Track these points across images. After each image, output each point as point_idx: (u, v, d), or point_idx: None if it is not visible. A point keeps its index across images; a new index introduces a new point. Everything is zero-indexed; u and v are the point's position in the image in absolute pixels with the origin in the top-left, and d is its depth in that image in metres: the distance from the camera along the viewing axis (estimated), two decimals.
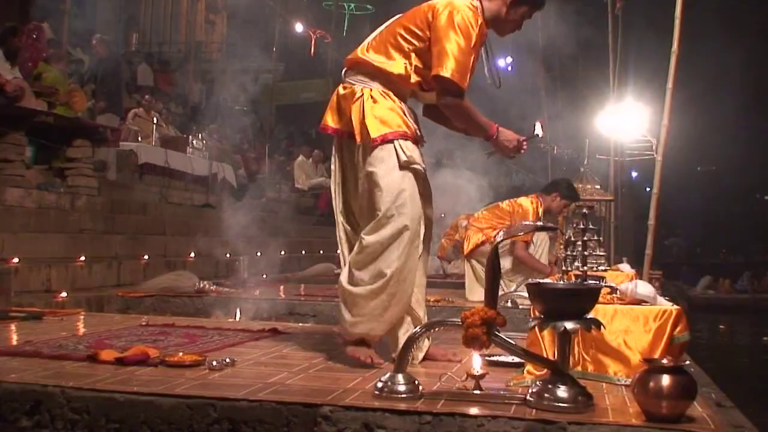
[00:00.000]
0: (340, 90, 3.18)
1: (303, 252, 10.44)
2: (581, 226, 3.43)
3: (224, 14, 27.40)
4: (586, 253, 3.40)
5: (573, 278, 3.37)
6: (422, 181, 3.09)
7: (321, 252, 11.03)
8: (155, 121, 10.76)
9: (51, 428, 2.40)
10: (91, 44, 11.81)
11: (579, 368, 2.79)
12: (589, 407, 2.29)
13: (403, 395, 2.37)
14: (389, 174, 2.98)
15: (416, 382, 2.43)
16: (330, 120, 3.18)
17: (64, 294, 5.17)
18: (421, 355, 3.16)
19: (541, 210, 6.13)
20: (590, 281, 3.14)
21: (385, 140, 2.99)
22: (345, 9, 21.24)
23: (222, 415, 2.32)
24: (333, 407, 2.28)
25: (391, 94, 3.10)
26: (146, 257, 6.83)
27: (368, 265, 3.00)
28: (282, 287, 6.91)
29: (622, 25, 9.69)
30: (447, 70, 2.95)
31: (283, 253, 9.66)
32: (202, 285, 5.99)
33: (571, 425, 2.15)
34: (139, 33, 26.34)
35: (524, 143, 3.18)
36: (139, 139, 10.10)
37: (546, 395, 2.30)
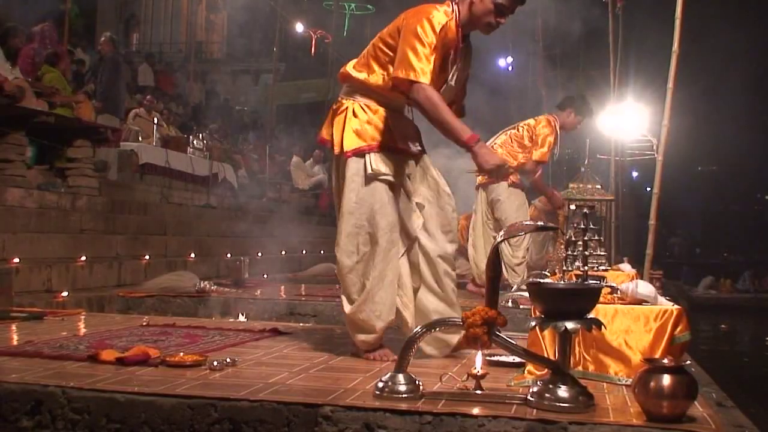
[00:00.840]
0: (334, 105, 3.33)
1: (303, 252, 10.45)
2: (582, 226, 3.43)
3: (224, 14, 27.42)
4: (586, 252, 3.40)
5: (574, 278, 3.37)
6: (404, 190, 3.20)
7: (321, 252, 11.03)
8: (156, 122, 10.77)
9: (52, 428, 2.41)
10: (95, 43, 11.82)
11: (580, 368, 2.79)
12: (589, 407, 2.29)
13: (404, 395, 2.37)
14: (359, 187, 3.12)
15: (417, 382, 2.43)
16: (324, 132, 3.33)
17: (64, 294, 5.17)
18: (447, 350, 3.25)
19: (557, 127, 6.23)
20: (591, 281, 3.14)
21: (357, 153, 3.13)
22: (345, 9, 21.23)
23: (223, 415, 2.32)
24: (334, 407, 2.28)
25: (373, 105, 3.21)
26: (147, 257, 6.83)
27: (352, 279, 3.14)
28: (282, 287, 6.91)
29: (623, 24, 9.68)
30: (400, 71, 3.03)
31: (283, 253, 9.66)
32: (202, 285, 5.99)
33: (572, 425, 2.15)
34: (140, 33, 26.38)
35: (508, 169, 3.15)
36: (140, 139, 10.10)
37: (547, 395, 2.30)
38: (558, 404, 2.27)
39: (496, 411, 2.24)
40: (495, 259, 2.53)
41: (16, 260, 5.17)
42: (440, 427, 2.21)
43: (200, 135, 12.10)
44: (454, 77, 3.21)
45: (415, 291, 3.26)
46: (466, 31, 3.22)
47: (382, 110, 3.21)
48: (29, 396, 2.44)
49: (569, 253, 3.51)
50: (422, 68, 3.01)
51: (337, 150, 3.19)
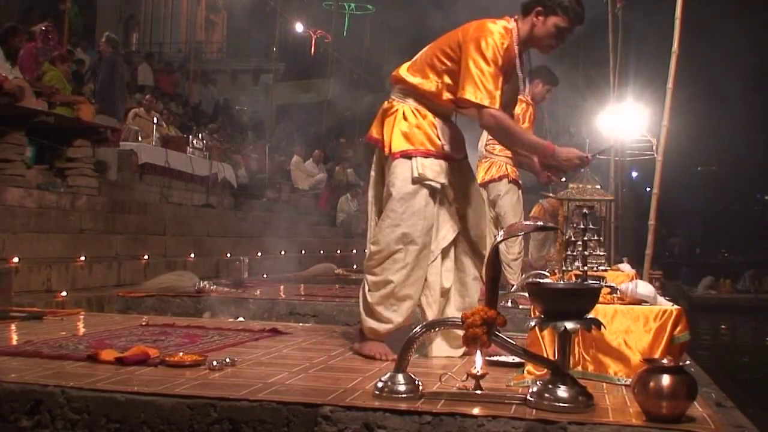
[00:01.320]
0: (385, 104, 3.39)
1: (303, 252, 10.45)
2: (581, 226, 3.43)
3: (224, 14, 27.43)
4: (586, 253, 3.40)
5: (573, 278, 3.37)
6: (441, 196, 3.28)
7: (321, 252, 11.03)
8: (155, 121, 10.76)
9: (51, 428, 2.41)
10: (95, 43, 11.82)
11: (579, 368, 2.79)
12: (589, 407, 2.29)
13: (404, 395, 2.37)
14: (403, 187, 3.19)
15: (416, 382, 2.43)
16: (374, 131, 3.40)
17: (64, 294, 5.17)
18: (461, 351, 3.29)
19: (530, 99, 6.27)
20: (590, 281, 3.14)
21: (404, 155, 3.21)
22: (345, 9, 21.25)
23: (222, 415, 2.32)
24: (333, 407, 2.28)
25: (423, 110, 3.28)
26: (146, 257, 6.82)
27: (376, 271, 3.22)
28: (282, 287, 6.91)
29: (623, 24, 9.67)
30: (468, 92, 3.08)
31: (283, 253, 9.66)
32: (202, 285, 5.98)
33: (571, 425, 2.15)
34: (139, 33, 26.40)
35: (589, 158, 3.20)
36: (140, 139, 10.10)
37: (546, 395, 2.30)
38: (557, 404, 2.26)
39: (495, 411, 2.24)
40: (495, 258, 2.53)
41: (16, 260, 5.16)
42: (440, 427, 2.21)
43: (200, 135, 12.09)
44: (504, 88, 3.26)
45: (445, 292, 3.33)
46: (523, 49, 3.28)
47: (430, 116, 3.28)
48: (29, 396, 2.44)
49: (569, 253, 3.51)
50: (491, 91, 3.06)
51: (386, 151, 3.26)
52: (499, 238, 2.59)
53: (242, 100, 22.08)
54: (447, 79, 3.22)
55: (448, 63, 3.21)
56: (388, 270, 3.19)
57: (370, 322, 3.25)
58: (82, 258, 5.87)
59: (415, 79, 3.28)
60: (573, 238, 3.50)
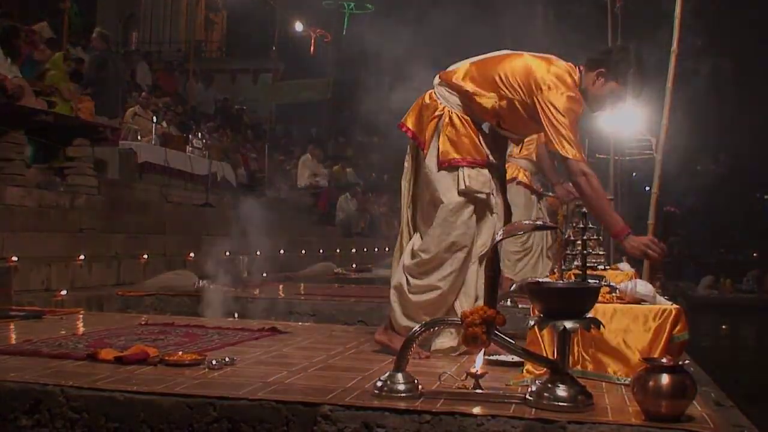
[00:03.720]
0: (426, 99, 3.39)
1: (303, 251, 10.45)
2: (581, 226, 3.43)
3: (224, 14, 27.41)
4: (585, 252, 3.40)
5: (573, 277, 3.37)
6: (486, 204, 3.31)
7: (321, 251, 11.03)
8: (154, 120, 10.76)
9: (51, 427, 2.41)
10: (91, 40, 11.78)
11: (578, 367, 2.79)
12: (588, 406, 2.29)
13: (403, 394, 2.37)
14: (451, 197, 3.24)
15: (416, 381, 2.43)
16: (409, 121, 3.42)
17: (63, 293, 5.17)
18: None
19: None
20: (590, 280, 3.14)
21: (452, 165, 3.24)
22: (345, 8, 21.22)
23: (222, 414, 2.32)
24: (332, 406, 2.28)
25: (469, 120, 3.31)
26: (146, 256, 6.82)
27: (422, 276, 3.29)
28: (281, 286, 6.91)
29: (622, 23, 9.66)
30: (569, 152, 3.07)
31: (282, 252, 9.66)
32: (201, 284, 5.98)
33: (570, 424, 2.15)
34: (139, 32, 26.37)
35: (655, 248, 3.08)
36: (139, 138, 10.09)
37: (545, 394, 2.30)
38: (557, 403, 2.27)
39: (495, 410, 2.24)
40: (493, 257, 2.53)
41: (15, 259, 5.17)
42: (439, 426, 2.20)
43: (199, 134, 12.09)
44: None
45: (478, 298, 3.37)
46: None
47: (473, 126, 3.31)
48: (28, 395, 2.44)
49: (568, 252, 3.50)
50: (578, 144, 3.09)
51: (425, 151, 3.29)
52: (498, 237, 2.59)
53: (242, 100, 22.07)
54: (504, 104, 3.25)
55: (510, 92, 3.22)
56: (434, 276, 3.26)
57: (407, 321, 3.29)
58: (82, 257, 5.87)
59: (472, 88, 3.28)
60: (572, 238, 3.51)
